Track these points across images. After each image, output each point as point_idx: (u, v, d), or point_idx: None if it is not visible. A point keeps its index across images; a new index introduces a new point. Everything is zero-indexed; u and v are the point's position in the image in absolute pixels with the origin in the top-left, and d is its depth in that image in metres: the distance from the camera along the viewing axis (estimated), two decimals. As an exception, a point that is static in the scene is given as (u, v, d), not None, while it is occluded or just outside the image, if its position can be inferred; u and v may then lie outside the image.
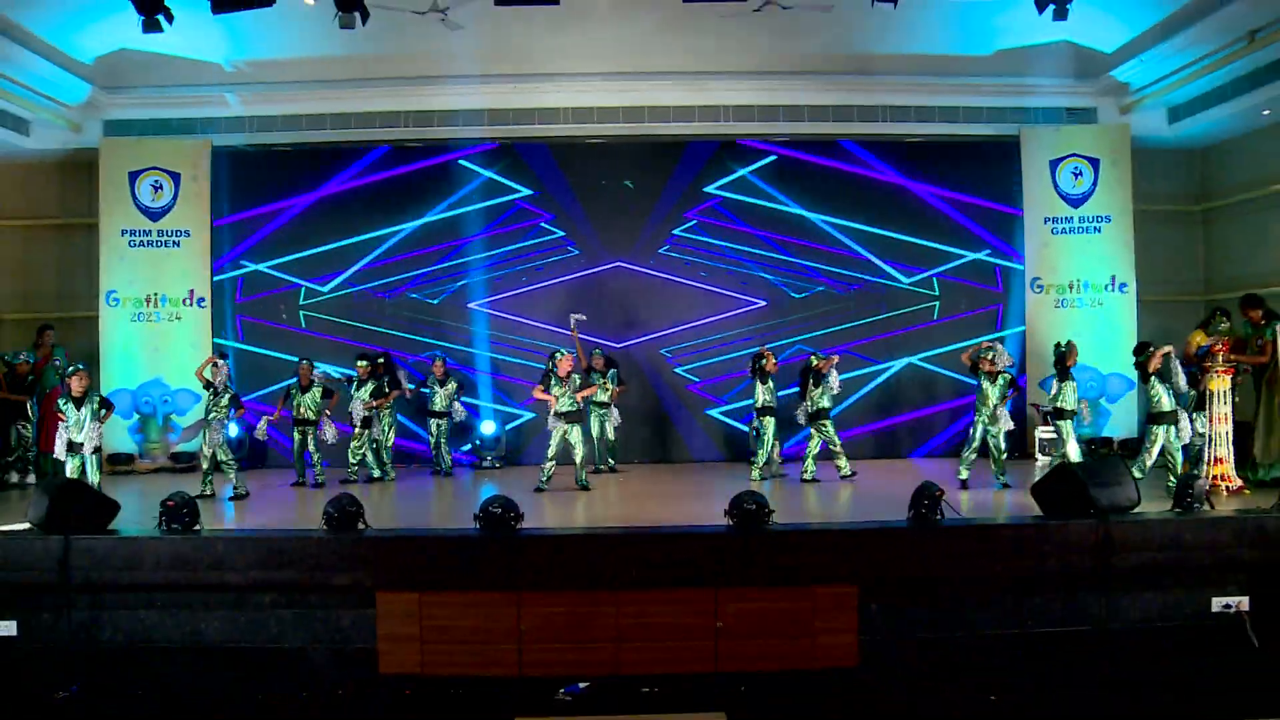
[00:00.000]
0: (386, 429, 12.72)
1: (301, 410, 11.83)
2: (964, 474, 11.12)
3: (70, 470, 9.81)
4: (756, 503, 7.87)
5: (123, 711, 7.08)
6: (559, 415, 11.26)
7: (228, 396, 11.00)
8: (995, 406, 10.95)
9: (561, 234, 14.36)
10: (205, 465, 11.12)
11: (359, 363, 12.24)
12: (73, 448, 9.81)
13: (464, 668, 7.48)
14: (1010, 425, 11.10)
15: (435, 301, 14.33)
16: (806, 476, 11.75)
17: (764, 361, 11.97)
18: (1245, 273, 13.84)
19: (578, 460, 11.37)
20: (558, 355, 11.38)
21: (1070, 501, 8.01)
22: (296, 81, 13.57)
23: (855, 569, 7.64)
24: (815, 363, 11.91)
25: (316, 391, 11.88)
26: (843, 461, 11.87)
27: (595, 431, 12.86)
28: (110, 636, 7.60)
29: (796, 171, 14.35)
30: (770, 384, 11.98)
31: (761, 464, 11.86)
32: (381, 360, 12.68)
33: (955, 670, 7.55)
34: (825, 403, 11.85)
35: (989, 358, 11.07)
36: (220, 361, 11.16)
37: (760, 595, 7.57)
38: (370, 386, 12.18)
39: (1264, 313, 10.97)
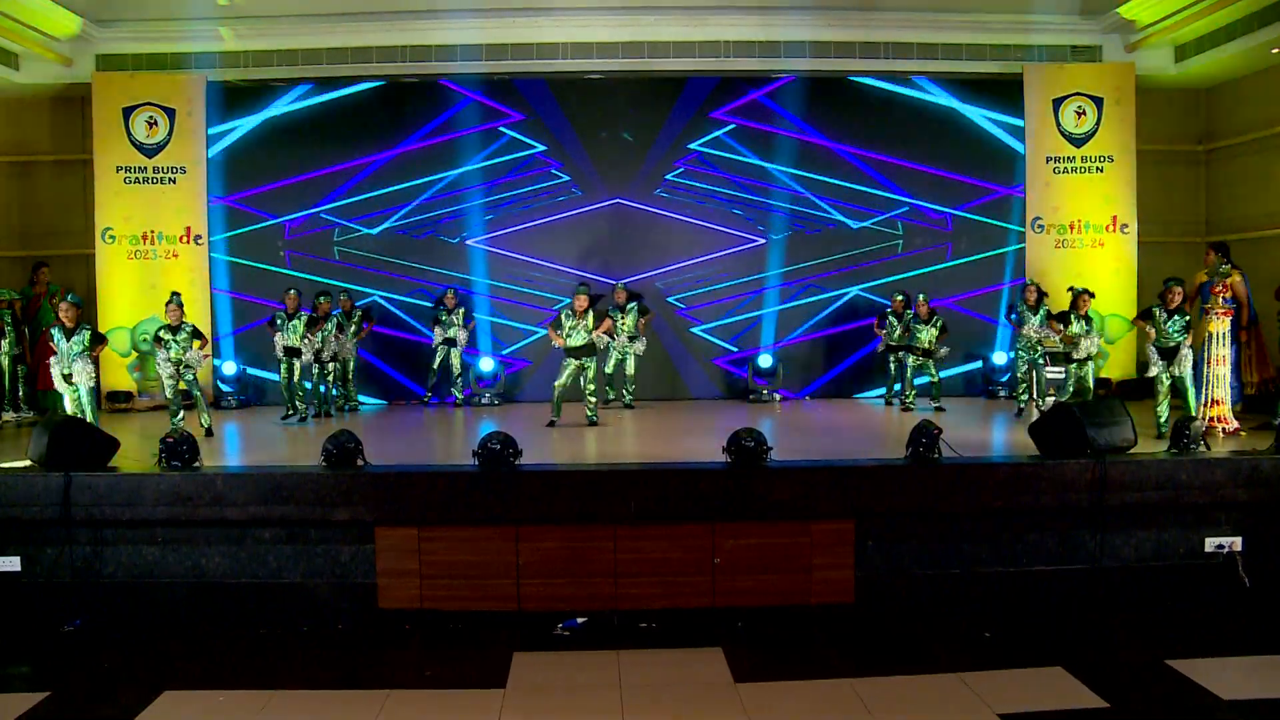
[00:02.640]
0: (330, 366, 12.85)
1: (288, 339, 11.83)
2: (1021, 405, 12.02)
3: (68, 405, 9.83)
4: (755, 439, 7.88)
5: (126, 644, 7.15)
6: (570, 351, 11.29)
7: (186, 331, 10.93)
8: (1031, 336, 11.73)
9: (563, 173, 14.28)
10: (174, 403, 10.92)
11: (289, 293, 12.19)
12: (67, 379, 9.80)
13: (463, 602, 7.54)
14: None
15: (450, 240, 14.36)
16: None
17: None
18: (1247, 214, 13.78)
19: (589, 395, 11.42)
20: (576, 293, 11.43)
21: (1067, 441, 8.03)
22: (292, 15, 13.38)
23: (853, 506, 7.68)
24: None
25: (301, 320, 11.87)
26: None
27: (610, 368, 12.88)
28: (112, 572, 7.65)
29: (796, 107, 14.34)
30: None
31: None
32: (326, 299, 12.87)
33: (951, 607, 7.63)
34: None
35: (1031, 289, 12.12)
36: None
37: (758, 531, 7.60)
38: (303, 318, 12.05)
39: None
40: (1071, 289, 11.29)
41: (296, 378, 11.91)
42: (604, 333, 11.62)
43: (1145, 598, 7.73)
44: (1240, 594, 7.70)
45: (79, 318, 10.00)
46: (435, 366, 13.50)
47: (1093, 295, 11.20)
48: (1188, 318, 9.99)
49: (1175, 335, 9.95)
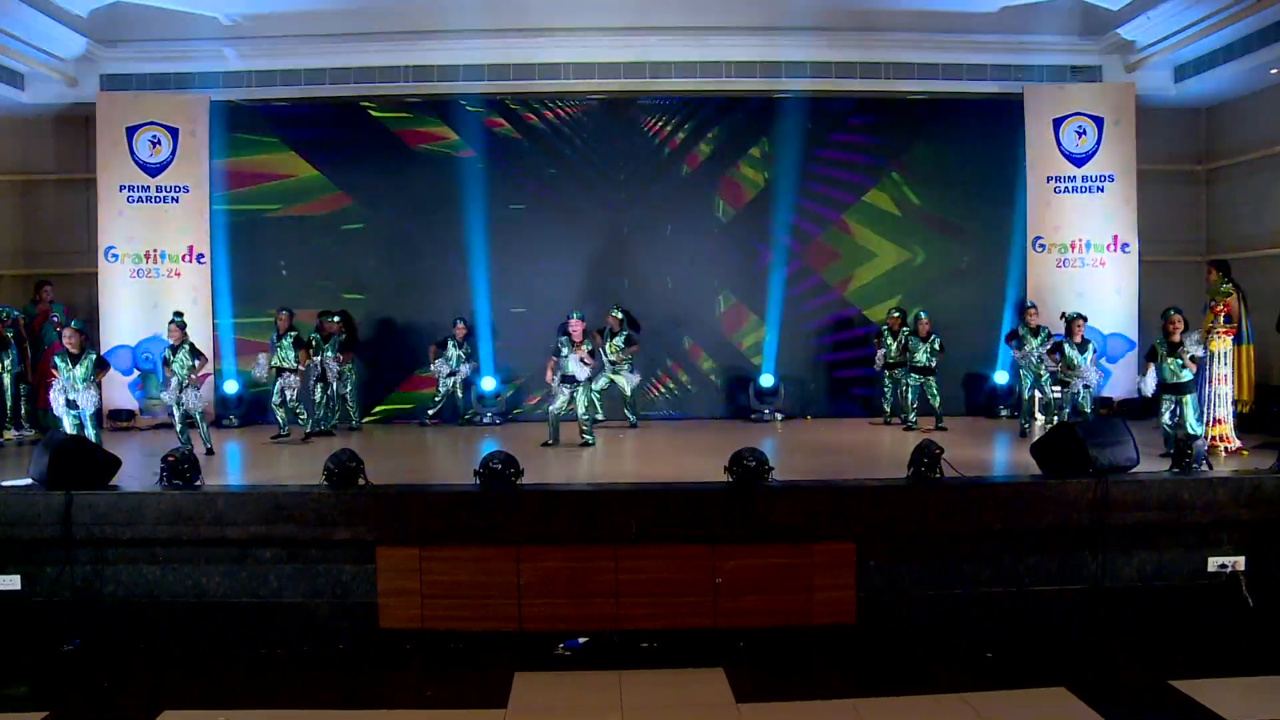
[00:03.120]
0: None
1: (277, 359, 11.88)
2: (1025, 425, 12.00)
3: (68, 428, 9.83)
4: (756, 459, 7.88)
5: (126, 664, 7.14)
6: (563, 379, 11.32)
7: (186, 349, 10.95)
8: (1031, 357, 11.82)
9: (563, 190, 14.32)
10: (178, 423, 10.91)
11: (280, 313, 12.23)
12: (70, 404, 9.81)
13: (464, 622, 7.53)
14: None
15: (439, 256, 14.33)
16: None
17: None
18: (1248, 233, 13.79)
19: (580, 415, 11.41)
20: (569, 321, 11.41)
21: (1069, 460, 8.03)
22: (295, 36, 13.43)
23: (854, 526, 7.67)
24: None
25: (290, 340, 11.94)
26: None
27: (598, 388, 12.77)
28: (113, 591, 7.65)
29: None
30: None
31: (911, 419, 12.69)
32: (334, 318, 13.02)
33: (953, 627, 7.61)
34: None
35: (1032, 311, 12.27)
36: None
37: (759, 552, 7.60)
38: (291, 337, 12.06)
39: None
40: (1064, 315, 11.31)
41: (292, 397, 11.90)
42: (580, 358, 11.48)
43: (1148, 618, 7.72)
44: (1243, 614, 7.69)
45: (84, 344, 10.03)
46: (439, 394, 13.49)
47: (1085, 319, 11.21)
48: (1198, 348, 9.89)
49: (1182, 372, 9.82)
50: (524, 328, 14.10)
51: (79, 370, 9.80)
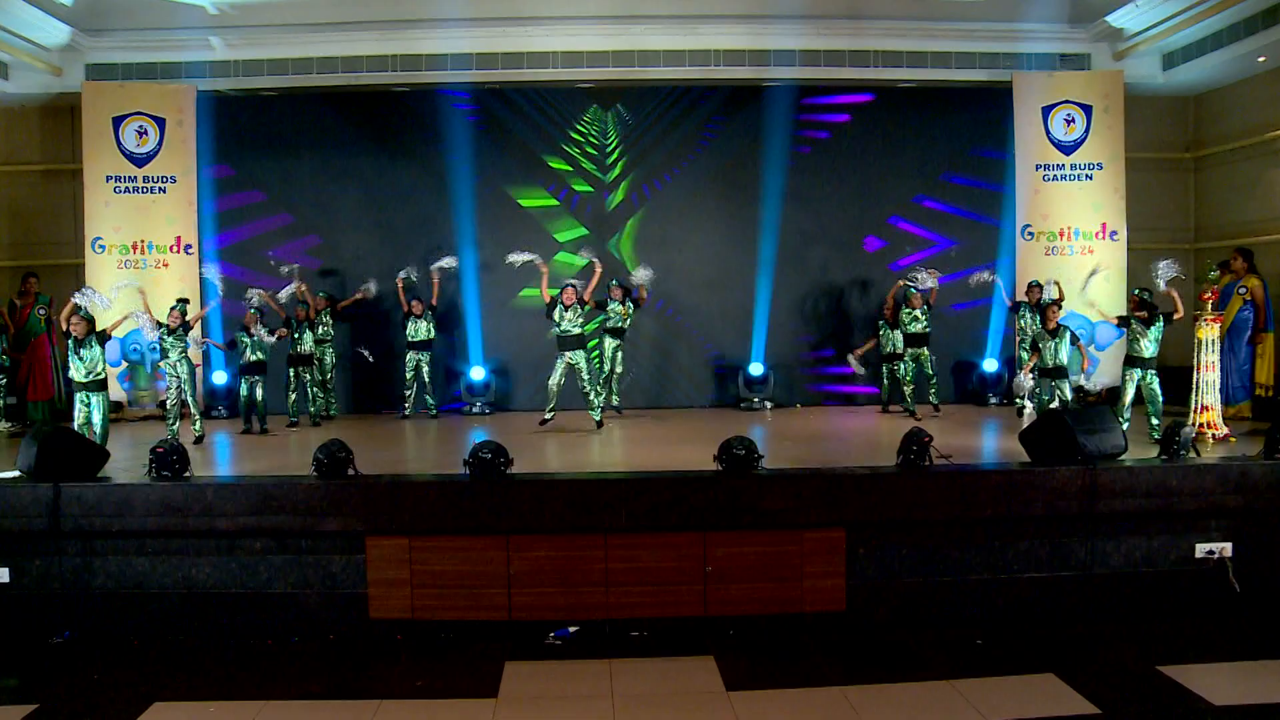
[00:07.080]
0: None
1: (248, 356, 11.88)
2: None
3: (79, 416, 9.66)
4: (746, 447, 7.88)
5: (116, 656, 7.12)
6: (561, 343, 11.37)
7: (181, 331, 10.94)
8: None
9: (555, 177, 14.28)
10: (171, 411, 11.02)
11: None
12: (95, 386, 9.67)
13: (454, 612, 7.52)
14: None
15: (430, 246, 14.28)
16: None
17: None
18: (1235, 221, 13.83)
19: (590, 395, 11.53)
20: (564, 287, 11.48)
21: (1058, 448, 8.05)
22: (282, 25, 13.35)
23: (843, 513, 7.68)
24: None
25: (263, 333, 11.96)
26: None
27: (603, 367, 12.83)
28: (102, 583, 7.62)
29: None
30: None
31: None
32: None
33: (942, 614, 7.63)
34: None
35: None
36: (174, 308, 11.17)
37: (749, 539, 7.60)
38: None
39: None
40: (1041, 291, 11.38)
41: (259, 394, 12.00)
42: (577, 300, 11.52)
43: (1136, 604, 7.75)
44: (1231, 599, 7.72)
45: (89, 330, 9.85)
46: (408, 378, 13.37)
47: (1056, 300, 11.25)
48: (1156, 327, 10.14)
49: (1148, 346, 10.11)
50: (514, 318, 14.10)
51: (94, 353, 9.67)
